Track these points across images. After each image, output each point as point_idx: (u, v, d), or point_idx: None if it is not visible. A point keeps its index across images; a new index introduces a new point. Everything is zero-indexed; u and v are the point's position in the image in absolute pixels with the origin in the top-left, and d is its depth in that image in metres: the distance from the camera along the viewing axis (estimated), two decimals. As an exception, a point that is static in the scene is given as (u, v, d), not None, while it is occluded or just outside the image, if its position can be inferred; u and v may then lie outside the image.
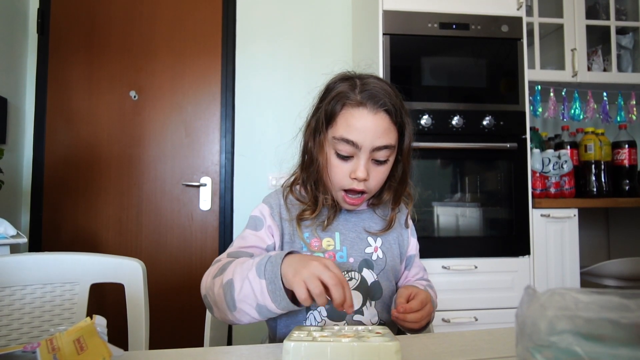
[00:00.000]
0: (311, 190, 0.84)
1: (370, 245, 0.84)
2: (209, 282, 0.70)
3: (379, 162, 0.78)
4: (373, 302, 0.80)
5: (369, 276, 0.81)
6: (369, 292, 0.80)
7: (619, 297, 0.33)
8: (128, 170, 2.15)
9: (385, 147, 0.77)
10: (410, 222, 0.93)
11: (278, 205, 0.85)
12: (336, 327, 0.62)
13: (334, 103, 0.79)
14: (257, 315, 0.64)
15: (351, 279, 0.80)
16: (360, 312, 0.78)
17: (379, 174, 0.79)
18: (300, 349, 0.50)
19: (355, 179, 0.77)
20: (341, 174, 0.78)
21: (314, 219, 0.83)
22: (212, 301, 0.69)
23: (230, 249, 0.80)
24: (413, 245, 0.92)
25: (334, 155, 0.79)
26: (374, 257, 0.83)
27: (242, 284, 0.63)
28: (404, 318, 0.71)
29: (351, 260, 0.81)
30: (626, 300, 0.33)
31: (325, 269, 0.58)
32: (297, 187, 0.88)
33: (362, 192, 0.79)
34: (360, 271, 0.81)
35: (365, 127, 0.75)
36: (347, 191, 0.79)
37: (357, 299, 0.78)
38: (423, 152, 1.79)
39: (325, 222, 0.83)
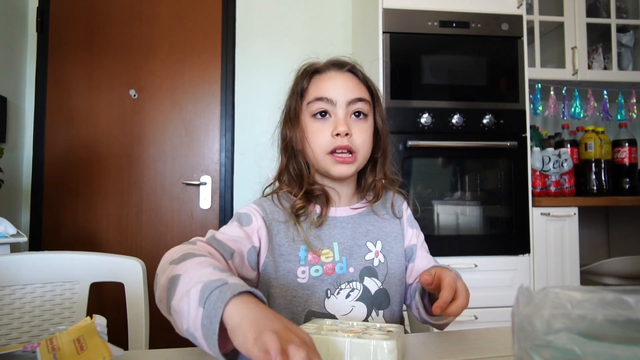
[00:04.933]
0: (295, 176, 0.81)
1: (371, 251, 0.79)
2: (164, 264, 0.60)
3: (358, 117, 0.78)
4: (380, 312, 0.77)
5: (372, 285, 0.77)
6: (373, 301, 0.76)
7: (613, 293, 0.33)
8: (128, 169, 2.15)
9: (360, 99, 0.77)
10: (405, 211, 0.88)
11: (271, 209, 0.79)
12: (350, 322, 0.60)
13: (302, 78, 0.81)
14: (188, 337, 0.50)
15: (353, 289, 0.76)
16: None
17: (361, 131, 0.77)
18: None
19: (337, 134, 0.75)
20: (322, 136, 0.76)
21: (307, 214, 0.78)
22: (157, 287, 0.59)
23: (215, 234, 0.71)
24: (412, 235, 0.86)
25: (310, 120, 0.78)
26: (376, 263, 0.79)
27: (182, 295, 0.50)
28: (448, 314, 0.64)
29: (351, 270, 0.77)
30: (622, 296, 0.33)
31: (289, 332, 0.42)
32: (285, 180, 0.84)
33: (350, 151, 0.76)
34: (361, 280, 0.77)
35: (335, 83, 0.78)
36: (333, 153, 0.76)
37: (360, 310, 0.76)
38: (423, 150, 1.79)
39: (319, 218, 0.78)
